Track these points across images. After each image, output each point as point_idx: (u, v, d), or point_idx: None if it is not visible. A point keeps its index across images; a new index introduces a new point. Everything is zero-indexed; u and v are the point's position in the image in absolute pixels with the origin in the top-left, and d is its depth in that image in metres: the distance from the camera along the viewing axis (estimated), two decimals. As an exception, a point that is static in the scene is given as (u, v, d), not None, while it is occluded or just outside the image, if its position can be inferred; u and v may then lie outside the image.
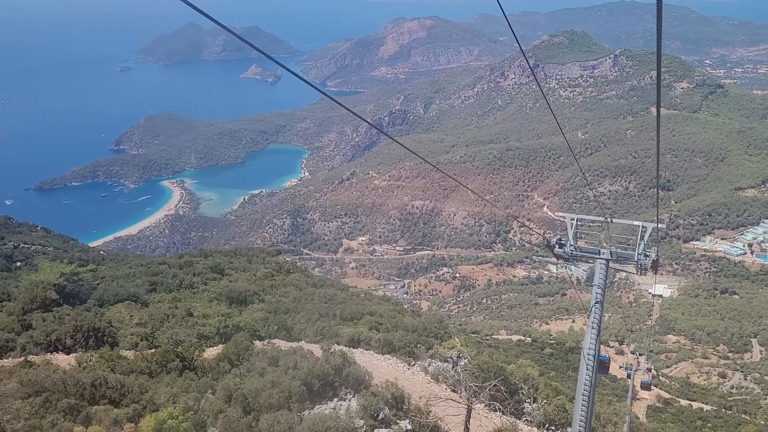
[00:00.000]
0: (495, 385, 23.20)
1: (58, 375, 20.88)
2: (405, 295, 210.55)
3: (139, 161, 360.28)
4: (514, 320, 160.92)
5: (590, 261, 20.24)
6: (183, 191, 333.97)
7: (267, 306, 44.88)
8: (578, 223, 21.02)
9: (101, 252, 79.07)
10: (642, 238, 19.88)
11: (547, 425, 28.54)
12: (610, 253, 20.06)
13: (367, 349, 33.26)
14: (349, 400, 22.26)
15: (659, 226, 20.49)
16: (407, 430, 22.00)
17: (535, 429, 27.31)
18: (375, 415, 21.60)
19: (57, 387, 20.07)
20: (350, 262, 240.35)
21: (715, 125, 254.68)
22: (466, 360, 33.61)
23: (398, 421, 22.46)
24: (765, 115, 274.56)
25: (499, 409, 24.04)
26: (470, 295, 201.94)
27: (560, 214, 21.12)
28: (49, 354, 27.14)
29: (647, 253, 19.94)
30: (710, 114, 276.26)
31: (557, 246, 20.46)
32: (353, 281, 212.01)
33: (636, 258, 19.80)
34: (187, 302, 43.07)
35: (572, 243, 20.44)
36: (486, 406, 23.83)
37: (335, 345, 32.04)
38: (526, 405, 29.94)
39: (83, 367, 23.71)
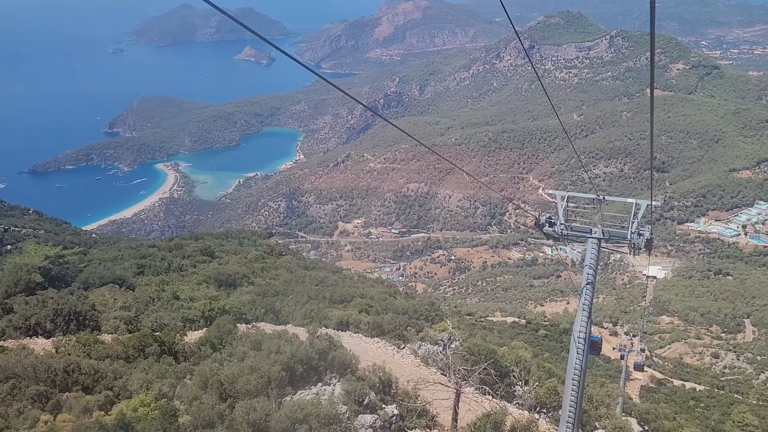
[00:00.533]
0: (485, 368, 22.46)
1: (29, 360, 20.01)
2: (400, 278, 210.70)
3: (133, 144, 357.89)
4: (509, 302, 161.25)
5: (582, 240, 19.62)
6: (177, 174, 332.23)
7: (256, 289, 43.98)
8: (570, 201, 20.10)
9: (93, 235, 78.16)
10: (635, 216, 19.10)
11: (538, 408, 27.88)
12: (602, 232, 19.28)
13: (355, 333, 32.43)
14: (334, 385, 21.57)
15: (654, 203, 19.67)
16: (394, 414, 21.28)
17: (526, 412, 26.51)
18: (360, 400, 20.84)
19: (27, 373, 19.20)
20: (346, 245, 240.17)
21: (710, 106, 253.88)
22: (458, 342, 32.93)
23: (385, 405, 21.77)
24: (760, 96, 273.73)
25: (489, 392, 23.29)
26: (465, 278, 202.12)
27: (551, 191, 20.90)
28: (27, 338, 26.36)
29: (641, 231, 19.08)
30: (706, 95, 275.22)
31: (547, 225, 19.65)
32: (349, 264, 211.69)
33: (629, 237, 18.95)
34: (175, 285, 42.18)
35: (563, 222, 19.60)
36: (475, 389, 23.17)
37: (323, 328, 31.19)
38: (518, 388, 29.30)
39: (59, 351, 22.87)
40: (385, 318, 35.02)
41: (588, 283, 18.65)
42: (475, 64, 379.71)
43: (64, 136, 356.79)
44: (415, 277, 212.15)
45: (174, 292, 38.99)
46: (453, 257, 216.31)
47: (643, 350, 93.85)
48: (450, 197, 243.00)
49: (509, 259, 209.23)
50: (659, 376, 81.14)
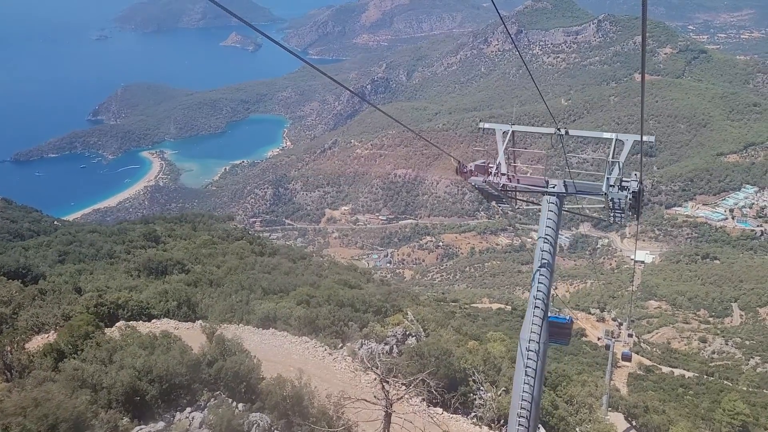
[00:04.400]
0: (422, 380, 17.32)
1: None
2: (388, 264, 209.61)
3: (117, 132, 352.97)
4: (496, 288, 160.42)
5: (535, 200, 13.78)
6: (163, 162, 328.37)
7: (188, 277, 38.56)
8: (517, 139, 13.80)
9: (55, 222, 75.56)
10: (616, 158, 12.98)
11: (502, 422, 22.55)
12: (564, 185, 13.15)
13: (282, 330, 27.34)
14: (209, 410, 16.26)
15: (647, 140, 12.96)
16: None
17: (485, 429, 21.99)
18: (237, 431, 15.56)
19: None
20: (333, 232, 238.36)
21: (698, 91, 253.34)
22: (415, 338, 28.24)
23: None
24: (747, 80, 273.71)
25: (434, 403, 18.89)
26: (453, 264, 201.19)
27: (487, 125, 14.10)
28: None
29: (624, 182, 12.71)
30: (693, 79, 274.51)
31: (479, 175, 13.35)
32: (336, 251, 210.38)
33: (605, 190, 12.57)
34: (96, 275, 37.69)
35: (504, 171, 13.34)
36: (421, 401, 18.99)
37: (240, 325, 26.85)
38: (480, 395, 24.48)
39: None
40: (320, 311, 29.65)
41: (543, 266, 12.85)
42: (463, 50, 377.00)
43: (47, 123, 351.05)
44: (403, 263, 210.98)
45: (75, 283, 33.33)
46: (441, 243, 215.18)
47: (631, 335, 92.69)
48: (438, 183, 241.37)
49: (497, 244, 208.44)
50: (647, 362, 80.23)
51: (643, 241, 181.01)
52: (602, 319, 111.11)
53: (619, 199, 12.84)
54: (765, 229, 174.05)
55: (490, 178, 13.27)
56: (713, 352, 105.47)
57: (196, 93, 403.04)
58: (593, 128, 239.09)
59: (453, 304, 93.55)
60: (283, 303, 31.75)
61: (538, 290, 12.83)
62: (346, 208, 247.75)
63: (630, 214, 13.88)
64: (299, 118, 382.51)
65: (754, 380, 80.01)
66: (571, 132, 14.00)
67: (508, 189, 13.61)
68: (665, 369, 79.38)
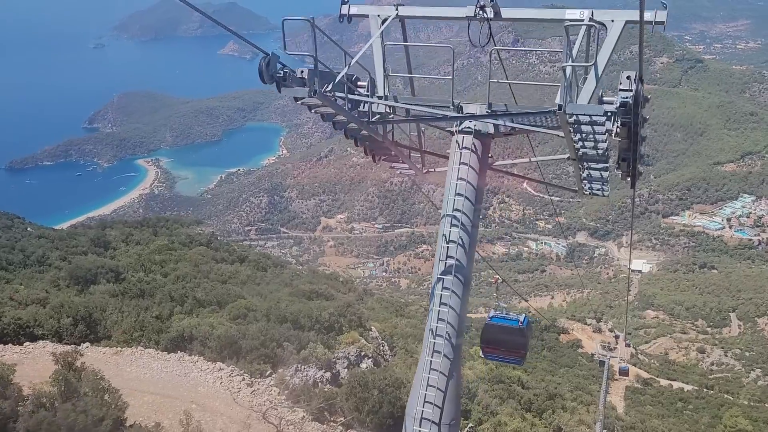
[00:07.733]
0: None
1: None
2: (384, 273, 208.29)
3: (112, 140, 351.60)
4: (492, 297, 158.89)
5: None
6: (158, 170, 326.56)
7: (115, 287, 33.93)
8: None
9: (28, 228, 73.76)
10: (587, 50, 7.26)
11: None
12: (490, 109, 8.07)
13: (198, 353, 22.37)
14: None
15: (650, 18, 8.02)
16: None
17: None
18: None
19: None
20: (328, 240, 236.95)
21: (694, 100, 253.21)
22: (372, 360, 24.29)
23: None
24: (744, 89, 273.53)
25: None
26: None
27: (355, 9, 9.67)
28: None
29: (604, 102, 7.57)
30: (690, 89, 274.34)
31: (316, 84, 7.86)
32: (332, 260, 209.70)
33: (560, 101, 7.38)
34: (12, 284, 33.43)
35: (384, 91, 7.84)
36: None
37: (140, 347, 22.72)
38: None
39: None
40: (249, 329, 24.48)
41: (448, 271, 7.67)
42: (460, 58, 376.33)
43: (43, 131, 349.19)
44: (398, 272, 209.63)
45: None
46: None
47: (628, 345, 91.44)
48: (434, 191, 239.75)
49: (494, 253, 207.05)
50: (645, 375, 78.74)
51: (640, 250, 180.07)
52: (599, 330, 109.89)
53: (593, 131, 6.62)
54: (762, 239, 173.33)
55: (345, 92, 6.89)
56: (712, 364, 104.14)
57: (193, 101, 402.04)
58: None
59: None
60: (211, 318, 27.27)
61: (440, 319, 6.96)
62: (342, 217, 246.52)
63: (617, 167, 7.09)
64: (296, 126, 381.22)
65: (755, 394, 78.39)
66: (505, 13, 8.23)
67: (386, 121, 7.46)
68: (663, 382, 77.91)
